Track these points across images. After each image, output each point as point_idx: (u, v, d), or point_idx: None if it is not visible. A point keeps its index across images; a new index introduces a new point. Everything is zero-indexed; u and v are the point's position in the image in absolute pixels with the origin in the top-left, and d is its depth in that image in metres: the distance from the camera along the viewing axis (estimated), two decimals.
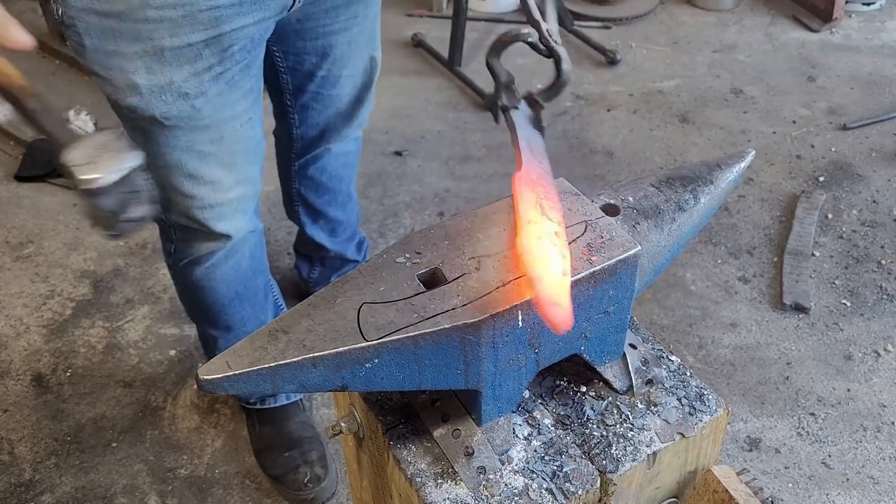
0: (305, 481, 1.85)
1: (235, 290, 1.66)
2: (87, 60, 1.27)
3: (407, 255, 0.87)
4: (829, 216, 2.58)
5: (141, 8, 1.19)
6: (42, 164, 2.81)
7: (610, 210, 0.97)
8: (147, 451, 1.99)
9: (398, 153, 2.92)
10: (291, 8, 1.37)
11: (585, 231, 0.89)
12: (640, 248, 0.88)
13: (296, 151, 1.89)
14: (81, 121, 2.91)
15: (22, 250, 2.56)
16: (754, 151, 1.09)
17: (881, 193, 2.68)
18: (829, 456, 1.94)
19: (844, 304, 2.31)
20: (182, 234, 1.55)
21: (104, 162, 0.96)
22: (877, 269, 2.41)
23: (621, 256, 0.86)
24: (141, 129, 1.35)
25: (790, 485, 1.89)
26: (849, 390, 2.08)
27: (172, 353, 2.22)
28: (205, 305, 1.69)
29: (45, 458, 1.98)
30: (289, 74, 1.68)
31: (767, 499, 0.93)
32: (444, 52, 3.35)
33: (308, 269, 2.24)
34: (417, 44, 3.50)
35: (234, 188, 1.47)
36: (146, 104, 1.29)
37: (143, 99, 1.28)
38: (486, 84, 3.19)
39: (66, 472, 1.95)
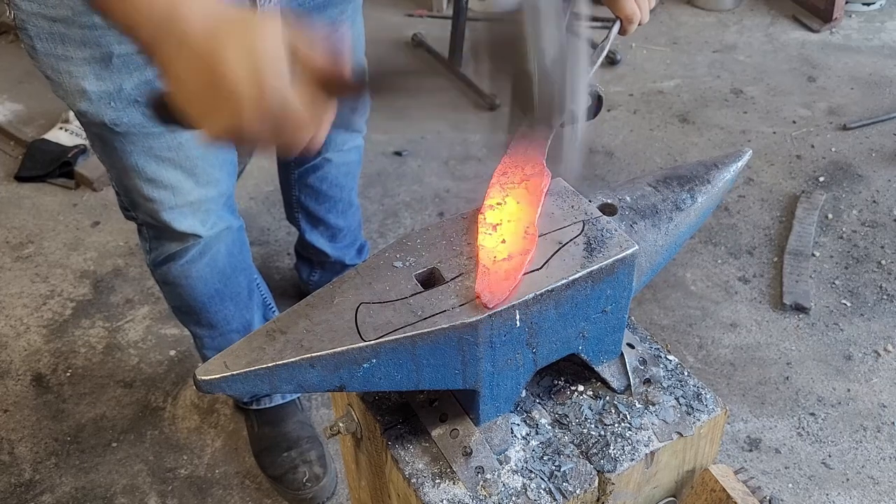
0: (304, 481, 1.85)
1: (215, 288, 1.65)
2: (39, 64, 1.26)
3: (405, 255, 0.87)
4: (829, 216, 2.58)
5: (87, 13, 1.17)
6: (42, 164, 2.81)
7: (607, 209, 0.97)
8: (147, 451, 1.99)
9: (398, 153, 2.92)
10: None
11: (583, 230, 0.89)
12: (637, 247, 0.88)
13: (294, 161, 1.89)
14: None
15: (22, 250, 2.56)
16: (751, 151, 1.09)
17: (881, 193, 2.67)
18: (829, 456, 1.94)
19: (844, 304, 2.30)
20: (153, 232, 1.55)
21: None
22: (877, 269, 2.41)
23: (619, 256, 0.86)
24: (97, 133, 1.35)
25: (790, 485, 1.89)
26: (849, 390, 2.08)
27: (172, 353, 2.22)
28: (186, 304, 1.69)
29: (45, 458, 1.98)
30: None
31: (765, 498, 0.93)
32: (444, 52, 3.35)
33: (308, 272, 2.24)
34: (417, 44, 3.49)
35: (196, 191, 1.45)
36: (96, 110, 1.28)
37: (92, 105, 1.27)
38: (485, 84, 3.19)
39: (66, 472, 1.95)
